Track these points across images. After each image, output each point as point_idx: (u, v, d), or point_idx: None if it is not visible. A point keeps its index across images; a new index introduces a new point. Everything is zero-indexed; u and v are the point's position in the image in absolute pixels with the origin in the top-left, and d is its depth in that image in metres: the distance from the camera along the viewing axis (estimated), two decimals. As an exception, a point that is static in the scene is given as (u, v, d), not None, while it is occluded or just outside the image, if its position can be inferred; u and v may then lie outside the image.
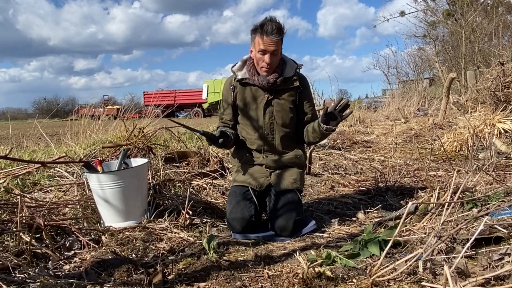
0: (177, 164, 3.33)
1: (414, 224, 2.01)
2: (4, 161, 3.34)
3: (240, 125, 2.32)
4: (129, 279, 1.48)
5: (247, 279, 1.50)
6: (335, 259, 1.58)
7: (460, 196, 1.95)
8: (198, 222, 2.23)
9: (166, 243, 1.90)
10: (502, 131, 4.49)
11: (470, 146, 3.96)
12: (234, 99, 2.27)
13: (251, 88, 2.23)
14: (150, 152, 3.30)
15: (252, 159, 2.29)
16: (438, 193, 2.06)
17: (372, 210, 2.54)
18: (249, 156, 2.30)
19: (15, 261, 1.56)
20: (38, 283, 1.39)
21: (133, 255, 1.75)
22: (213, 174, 3.14)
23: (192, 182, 2.96)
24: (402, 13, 16.67)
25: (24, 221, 1.86)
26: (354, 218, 2.45)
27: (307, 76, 2.33)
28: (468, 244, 1.34)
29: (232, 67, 2.28)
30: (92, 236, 1.95)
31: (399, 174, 3.28)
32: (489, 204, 1.84)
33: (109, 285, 1.43)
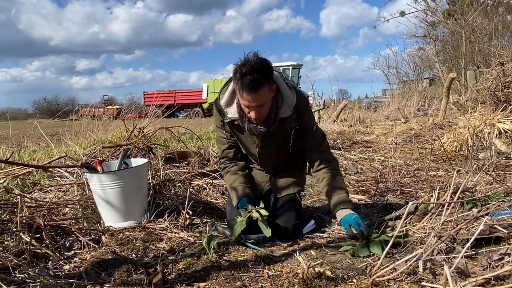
0: (177, 164, 3.33)
1: (414, 224, 2.01)
2: (4, 161, 3.35)
3: None
4: (129, 279, 1.48)
5: (247, 279, 1.50)
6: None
7: (460, 196, 1.95)
8: (198, 222, 2.23)
9: (166, 243, 1.90)
10: (502, 131, 4.49)
11: (470, 146, 3.96)
12: (228, 136, 2.11)
13: (242, 131, 2.03)
14: (150, 152, 3.30)
15: (250, 167, 2.28)
16: (438, 193, 2.06)
17: (372, 210, 2.53)
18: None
19: (15, 261, 1.56)
20: (38, 283, 1.39)
21: (133, 255, 1.75)
22: (213, 174, 3.14)
23: (192, 182, 2.96)
24: (402, 13, 16.70)
25: (24, 221, 1.86)
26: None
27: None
28: (468, 244, 1.34)
29: (219, 95, 1.98)
30: (92, 236, 1.95)
31: (399, 174, 3.27)
32: (489, 204, 1.84)
33: (109, 285, 1.43)
